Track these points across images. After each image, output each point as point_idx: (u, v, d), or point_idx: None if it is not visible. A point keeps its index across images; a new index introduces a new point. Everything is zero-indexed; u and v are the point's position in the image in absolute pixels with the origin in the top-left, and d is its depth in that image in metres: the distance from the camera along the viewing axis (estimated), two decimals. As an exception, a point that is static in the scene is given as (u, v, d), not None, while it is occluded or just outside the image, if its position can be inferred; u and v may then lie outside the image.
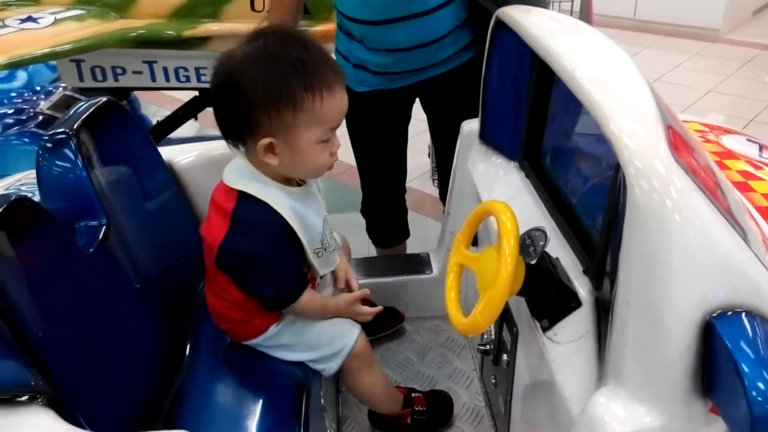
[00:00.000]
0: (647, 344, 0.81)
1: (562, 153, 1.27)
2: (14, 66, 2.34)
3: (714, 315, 0.77)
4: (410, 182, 3.22)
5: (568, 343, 1.01)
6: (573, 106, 1.20)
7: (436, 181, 2.39)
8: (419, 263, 1.83)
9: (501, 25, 1.36)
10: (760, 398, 0.71)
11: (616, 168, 0.94)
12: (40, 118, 2.93)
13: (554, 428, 1.04)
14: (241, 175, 1.14)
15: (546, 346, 1.04)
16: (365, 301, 1.34)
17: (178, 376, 1.29)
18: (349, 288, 1.35)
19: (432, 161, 2.38)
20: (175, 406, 1.22)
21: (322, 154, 1.10)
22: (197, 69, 2.72)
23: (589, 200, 1.13)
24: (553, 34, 1.11)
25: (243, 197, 1.12)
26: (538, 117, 1.35)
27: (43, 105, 3.09)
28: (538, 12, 1.26)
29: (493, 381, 1.44)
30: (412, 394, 1.50)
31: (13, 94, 3.45)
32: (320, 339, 1.28)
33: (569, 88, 0.98)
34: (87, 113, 1.26)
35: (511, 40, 1.35)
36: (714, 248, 0.77)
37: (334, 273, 1.35)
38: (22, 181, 1.49)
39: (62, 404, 0.93)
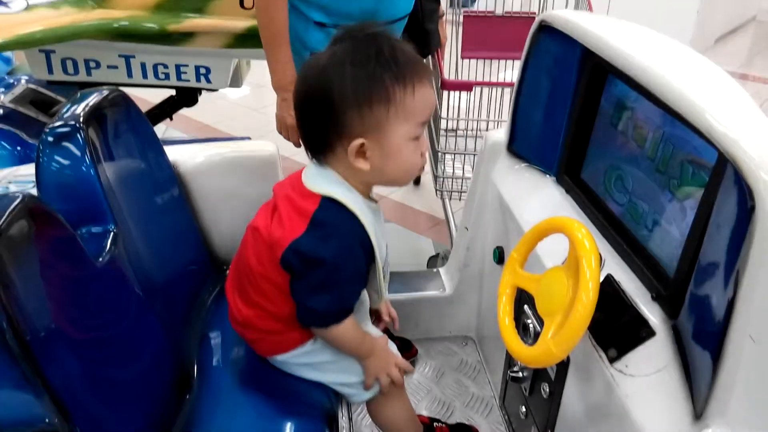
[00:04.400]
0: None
1: (611, 169, 1.20)
2: None
3: None
4: (391, 194, 3.15)
5: (644, 377, 0.92)
6: (630, 115, 1.13)
7: (439, 192, 2.30)
8: (430, 280, 1.74)
9: (544, 29, 1.29)
10: None
11: (711, 183, 0.87)
12: (1, 111, 2.71)
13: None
14: (327, 180, 1.04)
15: (615, 379, 0.96)
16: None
17: (187, 399, 1.15)
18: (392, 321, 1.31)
19: (436, 169, 2.30)
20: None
21: (413, 154, 1.03)
22: (177, 66, 2.59)
23: (652, 221, 1.06)
24: (620, 37, 1.05)
25: (327, 201, 1.02)
26: (582, 127, 1.28)
27: (5, 98, 2.88)
28: (594, 17, 1.19)
29: (523, 411, 1.35)
30: (435, 424, 1.39)
31: (-31, 86, 3.22)
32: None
33: (653, 91, 0.91)
34: (94, 104, 1.11)
35: (555, 44, 1.28)
36: None
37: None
38: (9, 179, 1.32)
39: (77, 441, 0.79)
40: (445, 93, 2.24)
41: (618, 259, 1.10)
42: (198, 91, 2.75)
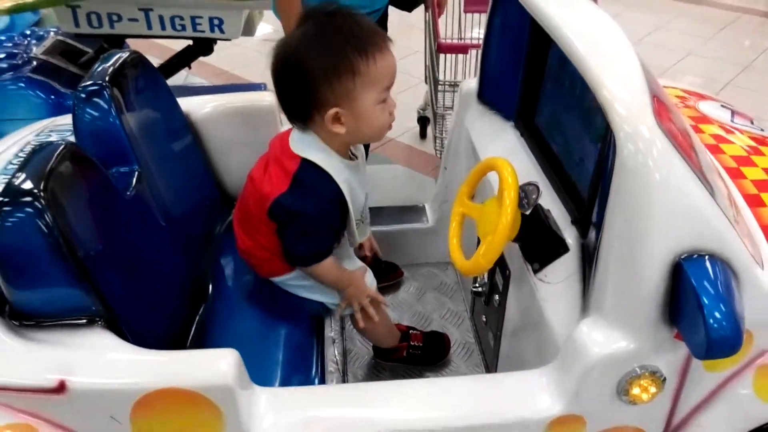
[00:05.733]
0: (625, 281, 0.96)
1: (554, 115, 1.40)
2: (17, 11, 2.37)
3: (683, 257, 0.92)
4: (399, 137, 3.35)
5: (556, 283, 1.16)
6: (567, 71, 1.33)
7: (438, 152, 2.49)
8: (416, 214, 1.97)
9: (503, -8, 1.47)
10: (716, 325, 0.87)
11: (606, 131, 1.08)
12: (35, 63, 2.92)
13: (539, 356, 1.20)
14: (308, 145, 1.25)
15: (536, 286, 1.20)
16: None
17: (201, 309, 1.42)
18: (374, 255, 1.55)
19: (435, 130, 2.47)
20: (201, 334, 1.36)
21: (382, 115, 1.22)
22: (193, 18, 2.76)
23: (578, 159, 1.27)
24: (554, 4, 1.22)
25: (306, 163, 1.23)
26: (533, 80, 1.47)
27: (36, 50, 3.07)
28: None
29: (484, 320, 1.60)
30: (410, 331, 1.65)
31: (2, 38, 3.43)
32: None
33: (567, 56, 1.10)
34: (117, 65, 1.35)
35: (512, 6, 1.46)
36: (686, 202, 0.92)
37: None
38: (50, 128, 1.57)
39: (116, 326, 1.06)
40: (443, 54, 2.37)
41: (551, 190, 1.32)
42: (213, 41, 2.94)
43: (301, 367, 1.31)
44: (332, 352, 1.45)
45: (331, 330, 1.49)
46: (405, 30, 4.52)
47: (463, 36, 2.66)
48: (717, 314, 0.88)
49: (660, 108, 0.97)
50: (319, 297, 1.44)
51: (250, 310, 1.42)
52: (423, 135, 3.22)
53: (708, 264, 0.92)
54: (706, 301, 0.88)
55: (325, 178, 1.24)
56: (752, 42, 4.46)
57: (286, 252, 1.32)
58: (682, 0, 5.12)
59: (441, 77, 2.40)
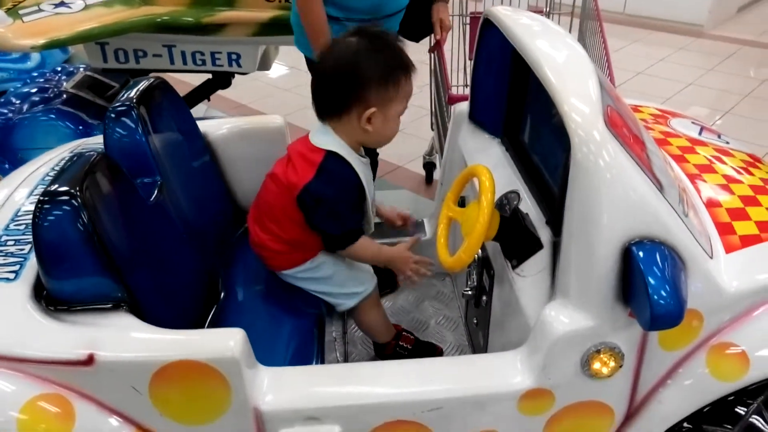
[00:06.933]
0: (583, 266, 1.09)
1: (535, 130, 1.55)
2: (51, 47, 2.55)
3: (632, 242, 1.05)
4: (407, 164, 3.50)
5: (531, 276, 1.29)
6: (544, 92, 1.47)
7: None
8: (416, 228, 2.10)
9: (488, 23, 1.63)
10: (662, 301, 1.00)
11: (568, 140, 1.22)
12: (64, 96, 3.13)
13: (517, 344, 1.32)
14: (330, 140, 1.44)
15: (514, 280, 1.33)
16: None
17: (214, 309, 1.56)
18: (405, 222, 1.74)
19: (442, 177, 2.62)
20: (214, 327, 1.50)
21: (397, 125, 1.45)
22: (213, 53, 2.95)
23: (553, 168, 1.41)
24: (528, 33, 1.38)
25: (330, 155, 1.42)
26: (516, 101, 1.62)
27: (67, 84, 3.29)
28: (519, 13, 1.52)
29: (475, 322, 1.72)
30: (403, 332, 1.77)
31: (35, 74, 3.67)
32: (347, 278, 1.58)
33: (539, 78, 1.25)
34: (144, 89, 1.52)
35: (496, 36, 1.62)
36: (633, 195, 1.05)
37: (386, 217, 1.71)
38: (83, 147, 1.74)
39: (138, 312, 1.20)
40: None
41: (530, 195, 1.45)
42: (231, 74, 3.13)
43: (302, 357, 1.43)
44: (334, 355, 1.57)
45: (333, 331, 1.63)
46: (419, 66, 4.74)
47: (468, 83, 2.77)
48: (662, 292, 1.00)
49: (613, 117, 1.11)
50: (323, 289, 1.58)
51: (258, 306, 1.57)
52: (429, 180, 3.29)
53: (654, 248, 1.05)
54: (652, 281, 1.01)
55: (347, 166, 1.42)
56: (755, 73, 4.60)
57: (323, 236, 1.48)
58: (684, 34, 5.28)
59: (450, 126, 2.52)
